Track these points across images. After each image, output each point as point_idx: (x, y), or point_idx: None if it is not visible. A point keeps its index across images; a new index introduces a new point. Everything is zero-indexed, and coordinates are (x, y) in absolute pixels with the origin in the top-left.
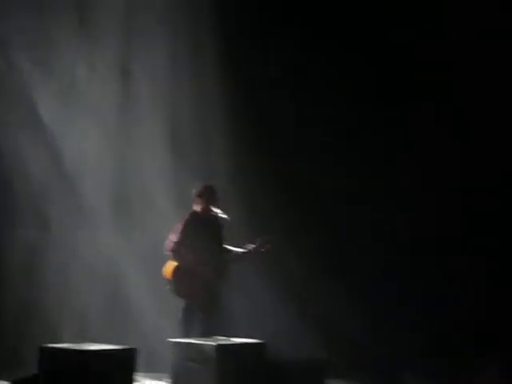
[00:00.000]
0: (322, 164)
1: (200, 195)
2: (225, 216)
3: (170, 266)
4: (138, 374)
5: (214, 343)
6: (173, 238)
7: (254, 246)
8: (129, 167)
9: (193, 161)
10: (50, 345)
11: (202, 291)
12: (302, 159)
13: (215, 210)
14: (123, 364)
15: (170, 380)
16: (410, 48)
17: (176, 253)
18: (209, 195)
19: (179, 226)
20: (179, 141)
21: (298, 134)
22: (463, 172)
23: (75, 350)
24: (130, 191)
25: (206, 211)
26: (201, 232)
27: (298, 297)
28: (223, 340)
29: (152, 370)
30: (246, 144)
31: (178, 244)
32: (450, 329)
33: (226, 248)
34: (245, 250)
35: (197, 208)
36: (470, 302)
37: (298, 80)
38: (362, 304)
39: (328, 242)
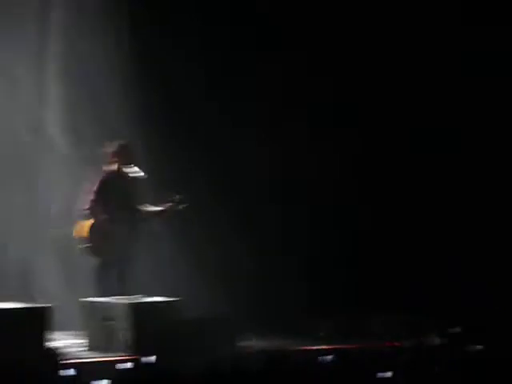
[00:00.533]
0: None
1: (115, 154)
2: (141, 174)
3: (86, 224)
4: (54, 332)
5: (127, 301)
6: (88, 196)
7: (168, 204)
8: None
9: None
10: None
11: (116, 250)
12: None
13: (131, 168)
14: (38, 322)
15: (86, 338)
16: None
17: (92, 210)
18: (124, 154)
19: (95, 185)
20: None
21: None
22: None
23: None
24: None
25: (122, 170)
26: (116, 191)
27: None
28: (137, 298)
29: (67, 329)
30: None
31: (93, 202)
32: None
33: (141, 207)
34: (161, 208)
35: (112, 166)
36: None
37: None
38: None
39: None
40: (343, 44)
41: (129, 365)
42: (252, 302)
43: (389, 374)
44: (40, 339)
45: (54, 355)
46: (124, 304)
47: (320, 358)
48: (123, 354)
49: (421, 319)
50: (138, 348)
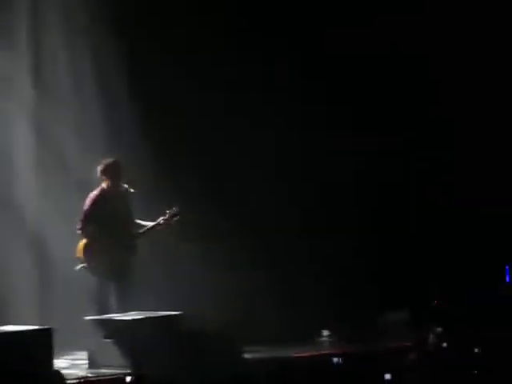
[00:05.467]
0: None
1: (105, 171)
2: (132, 190)
3: (81, 244)
4: (56, 353)
5: (128, 318)
6: (80, 216)
7: (163, 217)
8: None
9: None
10: None
11: (113, 268)
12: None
13: (122, 185)
14: (41, 344)
15: (87, 358)
16: None
17: (83, 231)
18: (114, 171)
19: (87, 204)
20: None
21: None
22: None
23: None
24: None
25: (113, 187)
26: (108, 208)
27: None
28: (138, 314)
29: (69, 349)
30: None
31: (84, 221)
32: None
33: (135, 222)
34: (155, 223)
35: (104, 184)
36: None
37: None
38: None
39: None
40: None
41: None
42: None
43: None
44: (45, 360)
45: (60, 376)
46: (123, 321)
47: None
48: (127, 370)
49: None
50: (137, 363)
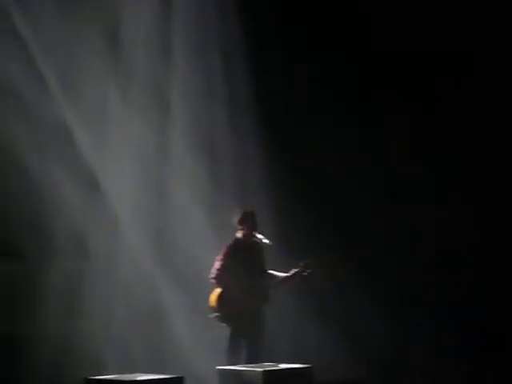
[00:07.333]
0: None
1: (241, 222)
2: (267, 241)
3: (215, 293)
4: None
5: (260, 369)
6: (215, 265)
7: (296, 270)
8: (168, 195)
9: (231, 189)
10: (95, 376)
11: (245, 318)
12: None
13: (257, 235)
14: None
15: None
16: None
17: (218, 280)
18: (249, 221)
19: (221, 254)
20: (218, 170)
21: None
22: None
23: (121, 382)
24: (172, 219)
25: (248, 237)
26: (242, 258)
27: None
28: (269, 366)
29: None
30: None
31: (219, 271)
32: None
33: (268, 273)
34: (288, 274)
35: (238, 234)
36: None
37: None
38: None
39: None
40: None
41: None
42: (384, 365)
43: None
44: None
45: None
46: (255, 372)
47: None
48: None
49: None
50: None
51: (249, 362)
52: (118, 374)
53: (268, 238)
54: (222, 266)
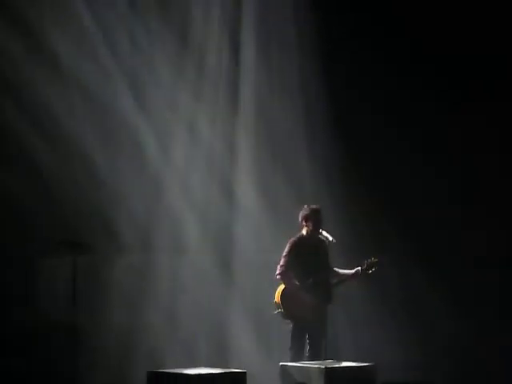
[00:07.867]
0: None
1: (306, 218)
2: (331, 238)
3: (279, 289)
4: None
5: (322, 366)
6: (280, 261)
7: (361, 267)
8: (234, 194)
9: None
10: (157, 370)
11: (308, 314)
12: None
13: (322, 232)
14: None
15: None
16: None
17: (283, 276)
18: (315, 218)
19: (285, 250)
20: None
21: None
22: None
23: (185, 375)
24: (237, 218)
25: (312, 234)
26: (306, 255)
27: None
28: (332, 363)
29: None
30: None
31: (284, 267)
32: None
33: (332, 270)
34: (352, 272)
35: (303, 231)
36: None
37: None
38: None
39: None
40: None
41: None
42: (451, 367)
43: None
44: None
45: None
46: (318, 368)
47: None
48: None
49: None
50: None
51: (312, 358)
52: (181, 367)
53: (332, 235)
54: (287, 262)
